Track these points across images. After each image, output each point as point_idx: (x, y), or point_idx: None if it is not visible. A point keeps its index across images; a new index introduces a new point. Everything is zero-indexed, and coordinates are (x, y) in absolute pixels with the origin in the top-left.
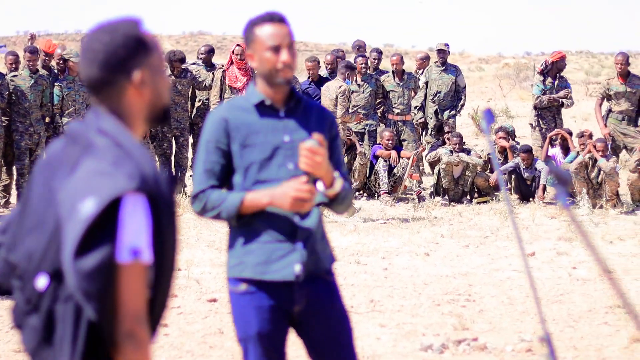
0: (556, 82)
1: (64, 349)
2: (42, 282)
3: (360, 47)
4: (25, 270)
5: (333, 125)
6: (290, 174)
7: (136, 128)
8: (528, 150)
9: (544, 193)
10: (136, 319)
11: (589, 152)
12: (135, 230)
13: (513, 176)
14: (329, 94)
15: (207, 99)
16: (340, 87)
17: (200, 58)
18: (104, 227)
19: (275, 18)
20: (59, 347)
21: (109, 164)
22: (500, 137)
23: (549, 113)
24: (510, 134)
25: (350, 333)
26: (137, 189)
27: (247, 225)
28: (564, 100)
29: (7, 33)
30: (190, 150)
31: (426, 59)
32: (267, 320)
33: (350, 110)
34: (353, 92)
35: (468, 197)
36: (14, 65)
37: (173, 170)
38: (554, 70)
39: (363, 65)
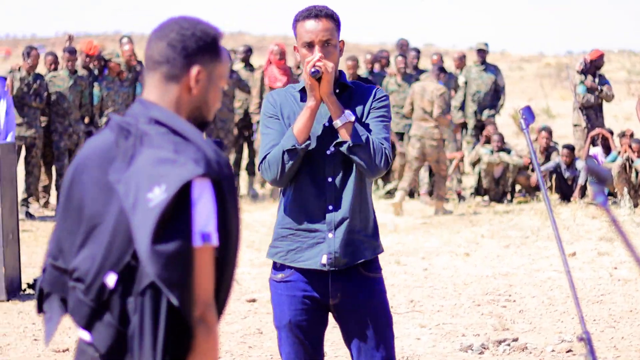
0: (596, 80)
1: (145, 341)
2: (111, 279)
3: (403, 46)
4: (87, 271)
5: (375, 97)
6: (330, 159)
7: None
8: (570, 148)
9: (581, 193)
10: (207, 304)
11: (625, 152)
12: (204, 215)
13: (554, 176)
14: (425, 94)
15: (247, 100)
16: (439, 89)
17: (239, 58)
18: (176, 213)
19: (312, 13)
20: (138, 340)
21: (171, 152)
22: (543, 137)
23: (591, 111)
24: (550, 134)
25: (386, 331)
26: (203, 174)
27: (288, 210)
28: (606, 92)
29: (46, 34)
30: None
31: (463, 57)
32: (299, 310)
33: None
34: (393, 92)
35: (509, 197)
36: (53, 66)
37: None
38: (592, 68)
39: (402, 65)
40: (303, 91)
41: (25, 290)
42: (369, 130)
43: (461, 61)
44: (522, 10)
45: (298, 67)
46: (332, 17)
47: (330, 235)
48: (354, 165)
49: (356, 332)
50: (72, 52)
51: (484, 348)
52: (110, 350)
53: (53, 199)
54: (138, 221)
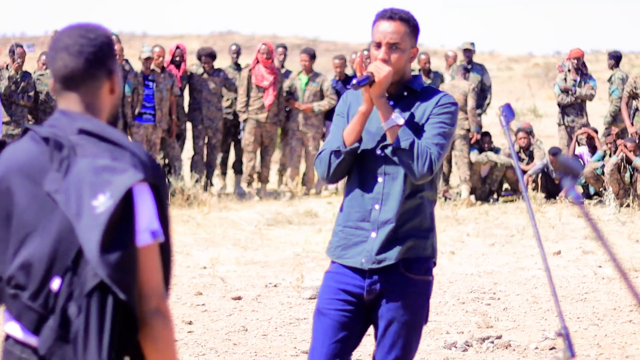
0: (579, 79)
1: (90, 341)
2: (56, 283)
3: None
4: (30, 277)
5: (439, 103)
6: (381, 160)
7: None
8: (555, 152)
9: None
10: (160, 296)
11: (621, 152)
12: (148, 215)
13: (540, 174)
14: (456, 90)
15: (236, 99)
16: (471, 84)
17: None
18: (121, 217)
19: (387, 15)
20: (82, 341)
21: (109, 159)
22: (520, 138)
23: (572, 110)
24: (530, 133)
25: (411, 333)
26: (143, 179)
27: (343, 207)
28: (581, 92)
29: (35, 33)
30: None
31: (455, 57)
32: (331, 299)
33: None
34: None
35: (495, 196)
36: (45, 66)
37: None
38: (576, 67)
39: None
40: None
41: None
42: (426, 134)
43: (454, 61)
44: (511, 11)
45: (283, 66)
46: (407, 22)
47: (373, 234)
48: None
49: (381, 329)
50: None
51: (468, 345)
52: (50, 352)
53: None
54: (85, 228)
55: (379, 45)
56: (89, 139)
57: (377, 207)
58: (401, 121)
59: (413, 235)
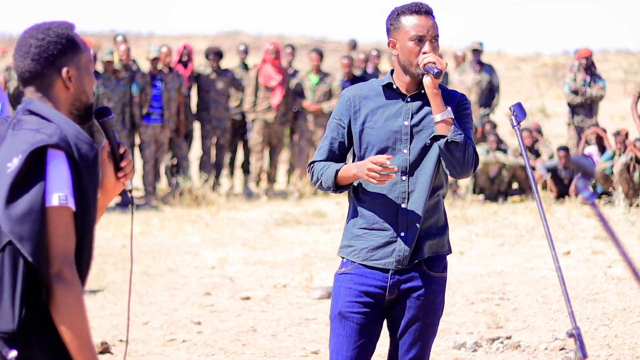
0: (589, 78)
1: (4, 294)
2: None
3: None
4: None
5: (460, 102)
6: (405, 158)
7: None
8: (565, 149)
9: (576, 192)
10: (65, 261)
11: (631, 151)
12: (59, 180)
13: (549, 174)
14: (464, 86)
15: (243, 99)
16: (476, 78)
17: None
18: (30, 177)
19: (423, 9)
20: None
21: (32, 130)
22: (524, 137)
23: (582, 110)
24: (538, 132)
25: (428, 331)
26: (55, 145)
27: (359, 210)
28: (591, 92)
29: None
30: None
31: (464, 57)
32: (352, 302)
33: None
34: None
35: (504, 196)
36: None
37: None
38: (585, 67)
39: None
40: (387, 87)
41: None
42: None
43: (462, 61)
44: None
45: (290, 66)
46: (434, 16)
47: (402, 234)
48: (428, 165)
49: (401, 327)
50: None
51: (478, 346)
52: None
53: None
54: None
55: (419, 39)
56: (32, 117)
57: (403, 206)
58: (452, 115)
59: (433, 233)
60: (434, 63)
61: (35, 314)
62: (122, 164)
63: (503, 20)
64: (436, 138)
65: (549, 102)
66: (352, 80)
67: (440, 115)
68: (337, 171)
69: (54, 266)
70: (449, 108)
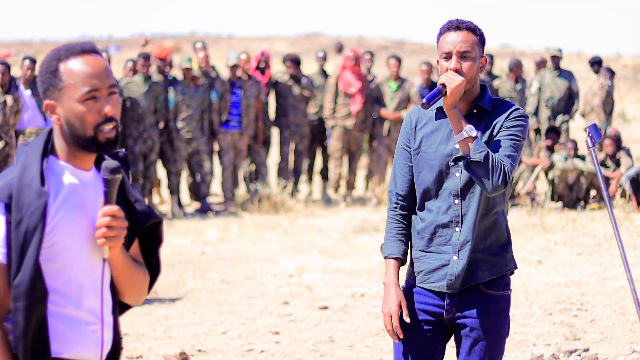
0: None
1: None
2: None
3: None
4: None
5: (510, 116)
6: (457, 181)
7: (62, 151)
8: None
9: None
10: None
11: None
12: None
13: (629, 183)
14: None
15: (322, 106)
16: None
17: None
18: None
19: (453, 26)
20: None
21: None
22: (606, 145)
23: None
24: (618, 139)
25: (494, 350)
26: None
27: (417, 233)
28: None
29: (122, 35)
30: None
31: (543, 63)
32: (414, 321)
33: None
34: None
35: (582, 203)
36: (133, 72)
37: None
38: None
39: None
40: (440, 110)
41: None
42: (496, 147)
43: (544, 66)
44: (599, 10)
45: (369, 72)
46: (474, 31)
47: (454, 257)
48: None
49: (465, 347)
50: (146, 57)
51: (555, 358)
52: None
53: None
54: None
55: (448, 56)
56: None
57: (457, 229)
58: (474, 133)
59: (492, 254)
60: (443, 85)
61: None
62: (97, 225)
63: (583, 20)
64: (458, 159)
65: (628, 106)
66: (431, 86)
67: (458, 136)
68: (385, 257)
69: None
70: (468, 126)
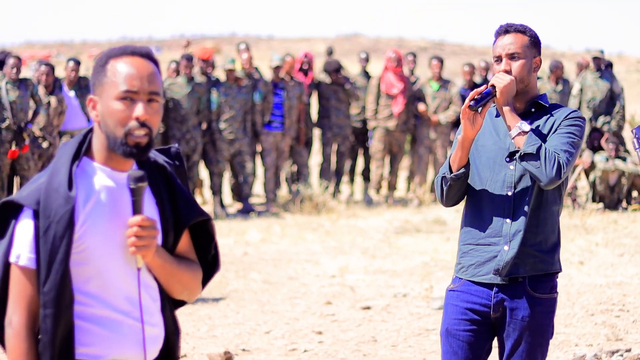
0: None
1: None
2: None
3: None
4: None
5: (568, 117)
6: (511, 173)
7: (99, 152)
8: None
9: None
10: (10, 313)
11: None
12: (19, 239)
13: None
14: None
15: (364, 107)
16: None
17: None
18: (3, 233)
19: (503, 30)
20: None
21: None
22: None
23: None
24: None
25: (537, 353)
26: (21, 203)
27: (466, 227)
28: None
29: (162, 36)
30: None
31: (585, 65)
32: (458, 320)
33: None
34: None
35: (624, 204)
36: (176, 73)
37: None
38: None
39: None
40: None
41: None
42: (553, 143)
43: (585, 68)
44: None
45: (412, 74)
46: (523, 32)
47: (505, 247)
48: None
49: (508, 348)
50: (189, 58)
51: (597, 358)
52: None
53: None
54: None
55: (499, 59)
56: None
57: (508, 221)
58: (527, 127)
59: (541, 251)
60: (493, 86)
61: None
62: (127, 235)
63: (624, 21)
64: (513, 153)
65: None
66: (472, 87)
67: (513, 131)
68: (448, 157)
69: (7, 313)
70: (522, 122)
